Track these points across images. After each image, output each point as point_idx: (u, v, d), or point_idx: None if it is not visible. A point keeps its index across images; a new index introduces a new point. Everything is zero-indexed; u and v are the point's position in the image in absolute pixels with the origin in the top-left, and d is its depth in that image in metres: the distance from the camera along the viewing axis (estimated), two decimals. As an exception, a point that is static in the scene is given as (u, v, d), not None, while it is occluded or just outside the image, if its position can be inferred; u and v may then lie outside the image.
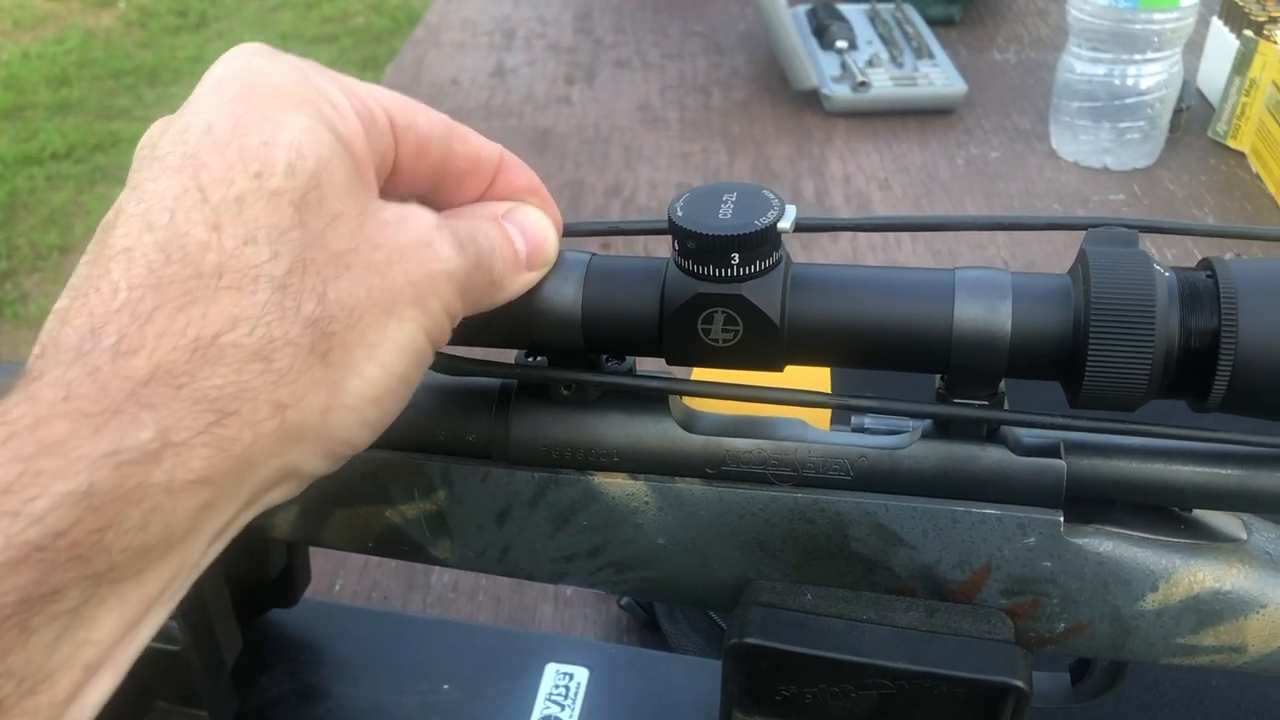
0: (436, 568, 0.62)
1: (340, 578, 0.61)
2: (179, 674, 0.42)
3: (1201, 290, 0.31)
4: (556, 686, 0.47)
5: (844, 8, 1.23)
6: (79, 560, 0.23)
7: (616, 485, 0.36)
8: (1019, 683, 0.33)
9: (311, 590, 0.51)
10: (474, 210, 0.33)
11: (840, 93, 1.09)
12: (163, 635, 0.40)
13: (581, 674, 0.48)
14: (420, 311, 0.29)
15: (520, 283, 0.33)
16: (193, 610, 0.39)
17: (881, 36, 1.18)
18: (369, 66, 3.29)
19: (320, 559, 0.52)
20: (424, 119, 0.32)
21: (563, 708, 0.46)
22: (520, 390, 0.36)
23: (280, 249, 0.26)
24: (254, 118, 0.27)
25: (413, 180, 0.32)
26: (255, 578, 0.46)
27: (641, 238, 0.38)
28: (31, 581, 0.22)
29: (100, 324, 0.25)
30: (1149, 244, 0.31)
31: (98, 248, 0.27)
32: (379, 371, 0.28)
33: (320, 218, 0.27)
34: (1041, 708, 0.40)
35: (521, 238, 0.33)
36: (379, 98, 0.31)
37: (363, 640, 0.50)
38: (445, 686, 0.47)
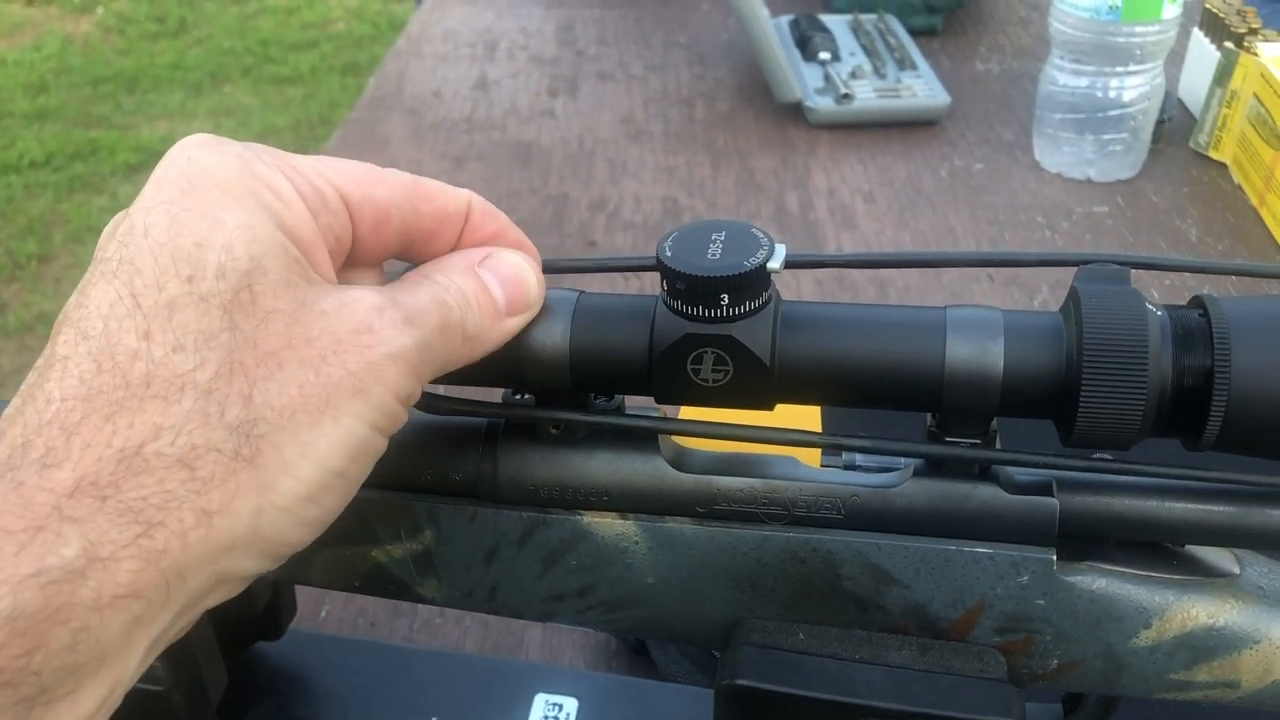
0: (423, 594, 0.62)
1: (326, 604, 0.61)
2: (163, 715, 0.41)
3: (1194, 329, 0.31)
4: (546, 717, 0.47)
5: (827, 19, 1.23)
6: (7, 686, 0.22)
7: (606, 525, 0.35)
8: (1012, 722, 0.33)
9: (297, 618, 0.50)
10: (447, 263, 0.32)
11: (824, 105, 1.09)
12: (146, 676, 0.39)
13: (571, 704, 0.47)
14: (362, 404, 0.28)
15: (501, 331, 0.32)
16: (176, 650, 0.39)
17: (864, 48, 1.18)
18: (349, 72, 3.28)
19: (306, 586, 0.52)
20: (383, 188, 0.31)
21: (552, 740, 0.46)
22: (507, 429, 0.36)
23: (207, 354, 0.26)
24: (190, 216, 0.27)
25: (377, 249, 0.32)
26: (240, 614, 0.45)
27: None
28: None
29: (32, 436, 0.25)
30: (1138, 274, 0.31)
31: (46, 354, 0.27)
32: (314, 470, 0.27)
33: (252, 318, 0.27)
34: (1034, 740, 0.40)
35: (499, 285, 0.32)
36: (330, 175, 0.30)
37: (350, 671, 0.50)
38: (434, 718, 0.47)
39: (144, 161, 2.86)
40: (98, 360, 0.26)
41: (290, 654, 0.50)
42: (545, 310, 0.33)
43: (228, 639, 0.44)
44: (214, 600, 0.27)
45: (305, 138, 2.92)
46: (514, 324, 0.33)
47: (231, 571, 0.27)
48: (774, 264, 0.31)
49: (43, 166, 2.88)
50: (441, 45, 1.30)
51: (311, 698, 0.49)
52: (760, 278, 0.31)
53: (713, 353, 0.32)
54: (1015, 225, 0.94)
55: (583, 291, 0.34)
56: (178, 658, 0.39)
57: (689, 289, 0.31)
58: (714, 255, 0.31)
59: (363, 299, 0.29)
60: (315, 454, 0.27)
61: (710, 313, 0.31)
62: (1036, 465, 0.32)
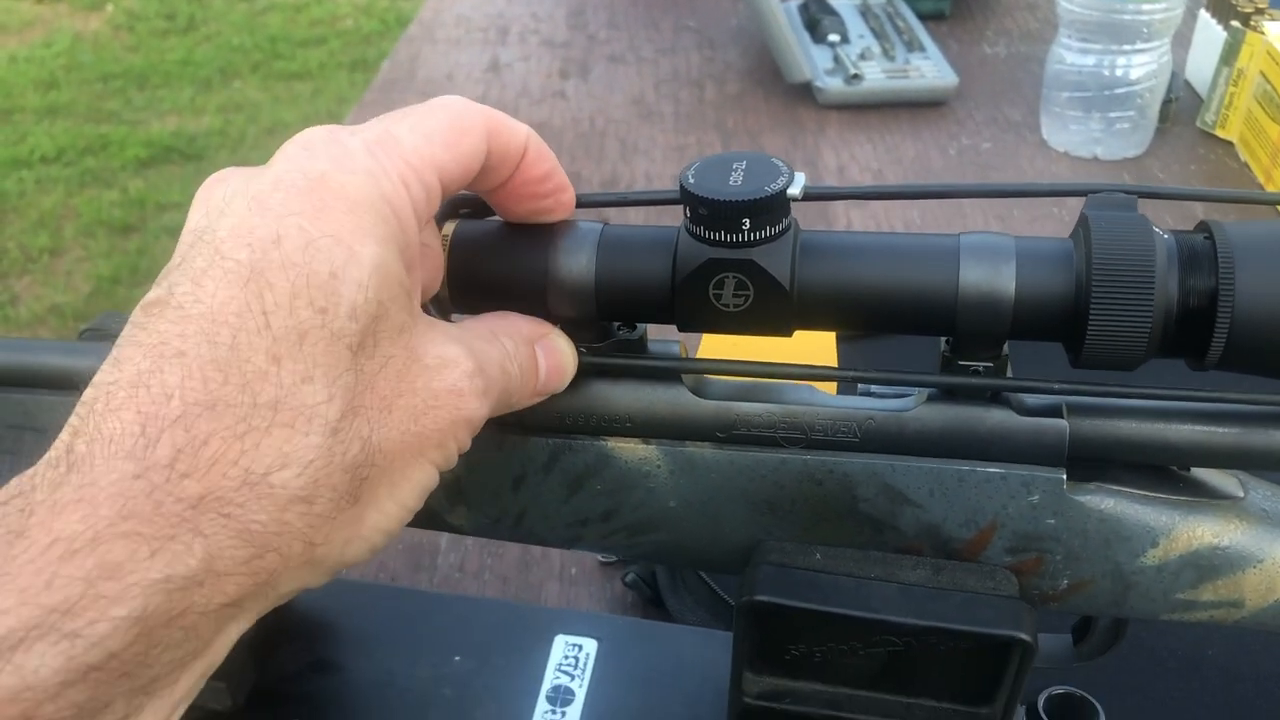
0: (443, 549, 0.63)
1: (347, 559, 0.62)
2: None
3: (1199, 252, 0.32)
4: (566, 657, 0.48)
5: (835, 2, 1.24)
6: (126, 677, 0.24)
7: (629, 450, 0.36)
8: (1025, 636, 0.34)
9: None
10: (514, 330, 0.34)
11: (833, 85, 1.10)
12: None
13: (590, 645, 0.49)
14: (441, 454, 0.31)
15: (528, 403, 0.34)
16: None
17: (873, 30, 1.19)
18: (358, 68, 3.29)
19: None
20: (468, 144, 0.32)
21: (573, 678, 0.47)
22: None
23: (335, 391, 0.27)
24: (327, 241, 0.27)
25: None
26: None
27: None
28: (86, 698, 0.23)
29: (154, 431, 0.25)
30: (1150, 211, 0.32)
31: (142, 332, 0.27)
32: (396, 508, 0.30)
33: (373, 361, 0.28)
34: (1045, 667, 0.41)
35: (546, 366, 0.34)
36: (434, 159, 0.31)
37: (375, 615, 0.51)
38: (456, 658, 0.48)
39: (154, 156, 2.87)
40: (225, 371, 0.26)
41: (316, 599, 0.51)
42: (571, 240, 0.35)
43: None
44: (280, 602, 0.29)
45: (314, 132, 2.93)
46: (539, 400, 0.35)
47: (307, 584, 0.29)
48: (794, 190, 0.32)
49: (54, 161, 2.89)
50: (454, 30, 1.31)
51: (338, 640, 0.50)
52: (780, 203, 0.32)
53: (734, 277, 0.33)
54: (1025, 204, 0.95)
55: (607, 223, 0.35)
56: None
57: (711, 214, 0.32)
58: (735, 182, 0.32)
59: (460, 362, 0.31)
60: (400, 495, 0.30)
61: (732, 238, 0.32)
62: (1045, 392, 0.33)
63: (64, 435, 0.26)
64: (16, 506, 0.24)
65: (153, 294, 0.28)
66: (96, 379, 0.27)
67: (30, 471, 0.26)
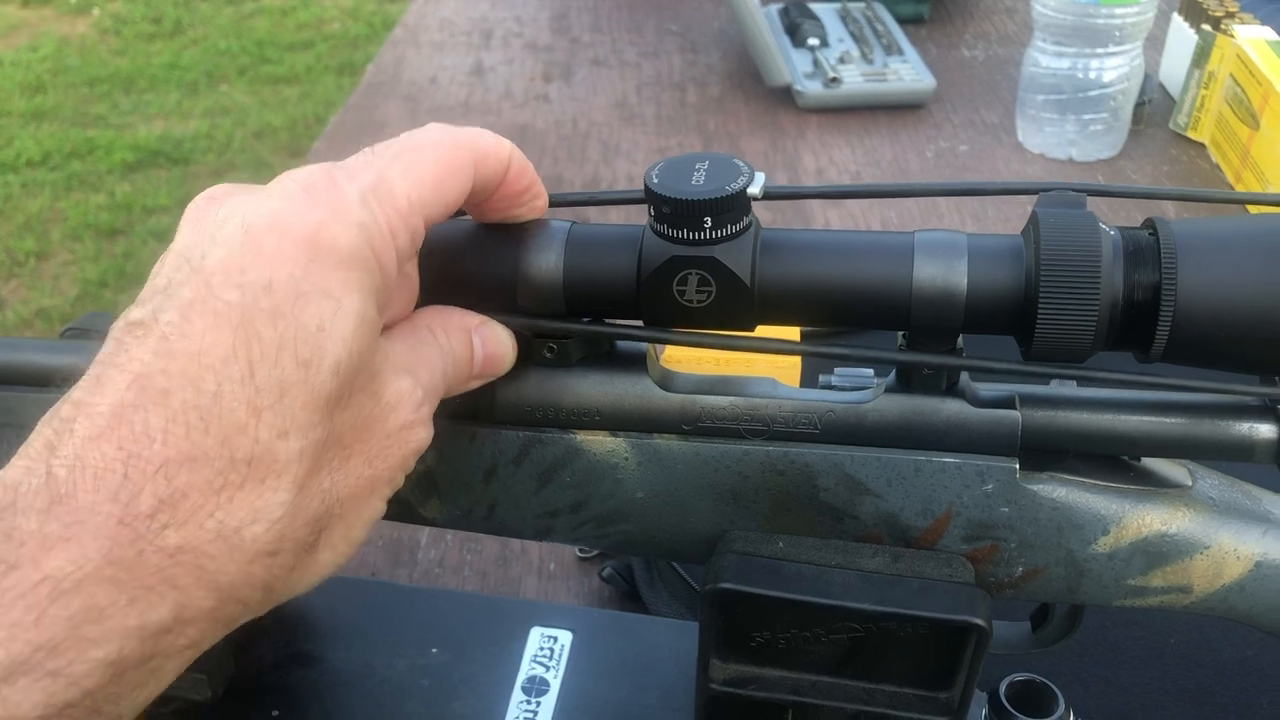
0: (423, 544, 0.64)
1: (328, 556, 0.63)
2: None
3: (1144, 247, 0.33)
4: (541, 649, 0.49)
5: (815, 6, 1.25)
6: (96, 713, 0.26)
7: (597, 442, 0.37)
8: (980, 621, 0.35)
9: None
10: (450, 324, 0.34)
11: (812, 89, 1.11)
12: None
13: (565, 637, 0.50)
14: (391, 488, 0.32)
15: (463, 389, 0.35)
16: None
17: (852, 34, 1.20)
18: (345, 72, 3.30)
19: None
20: (456, 185, 0.32)
21: (548, 668, 0.48)
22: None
23: (306, 446, 0.28)
24: (316, 294, 0.28)
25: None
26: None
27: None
28: None
29: (137, 475, 0.26)
30: (1113, 210, 0.33)
31: (124, 355, 0.27)
32: (348, 545, 0.31)
33: (344, 414, 0.29)
34: (1005, 654, 0.42)
35: (483, 351, 0.35)
36: (422, 204, 0.31)
37: (353, 609, 0.52)
38: (434, 650, 0.49)
39: (140, 160, 2.87)
40: (206, 421, 0.26)
41: (296, 593, 0.52)
42: (540, 238, 0.36)
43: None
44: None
45: (301, 136, 2.93)
46: (476, 384, 0.36)
47: (257, 614, 0.30)
48: (754, 189, 0.33)
49: (40, 165, 2.90)
50: (438, 34, 1.32)
51: (316, 633, 0.51)
52: (741, 202, 0.33)
53: (697, 274, 0.34)
54: (999, 203, 0.96)
55: (574, 222, 0.36)
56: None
57: (674, 212, 0.33)
58: (698, 181, 0.33)
59: (410, 394, 0.31)
60: (353, 534, 0.31)
61: (694, 235, 0.33)
62: (999, 371, 0.34)
63: (38, 445, 0.26)
64: (3, 531, 0.25)
65: (136, 313, 0.28)
66: (76, 395, 0.27)
67: (8, 481, 0.26)
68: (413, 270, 0.35)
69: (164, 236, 2.58)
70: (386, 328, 0.32)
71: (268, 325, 0.27)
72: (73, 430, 0.26)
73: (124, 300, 2.42)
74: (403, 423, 0.31)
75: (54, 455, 0.26)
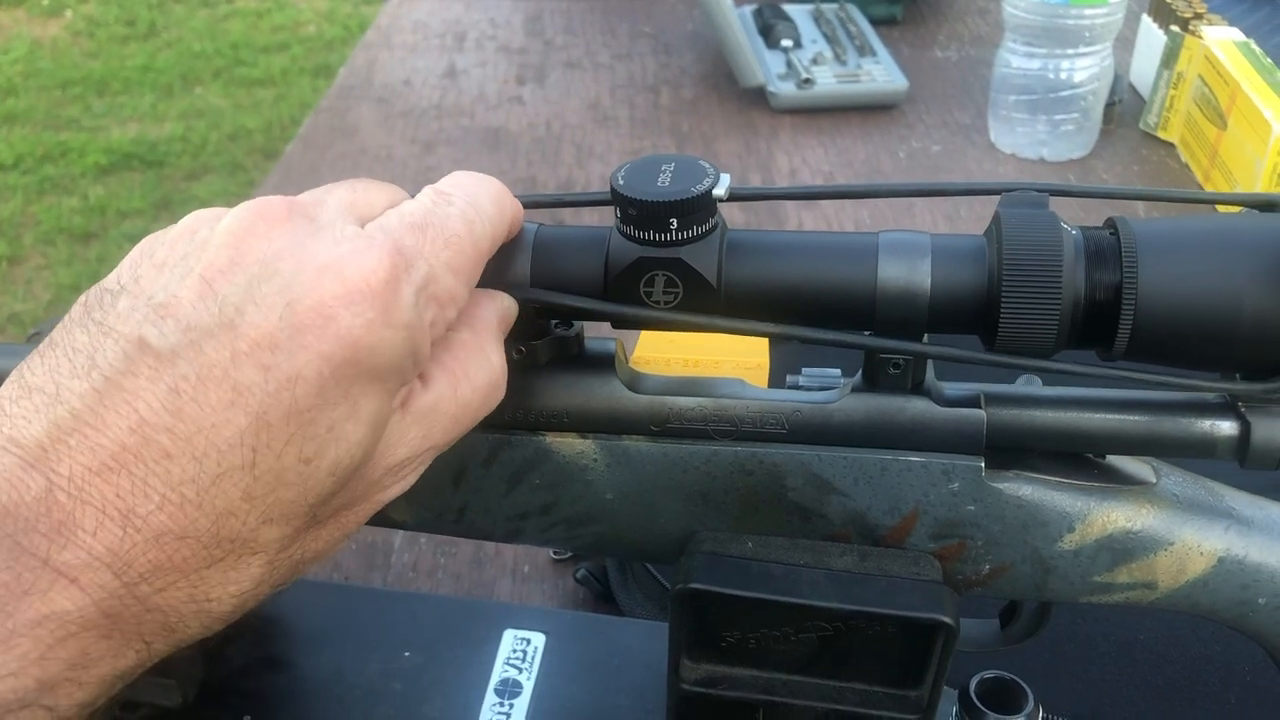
0: (396, 548, 0.64)
1: (301, 560, 0.63)
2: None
3: (1105, 247, 0.33)
4: (514, 651, 0.49)
5: (789, 7, 1.26)
6: None
7: (566, 444, 0.37)
8: (947, 619, 0.35)
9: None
10: (475, 374, 0.33)
11: (786, 90, 1.11)
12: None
13: (538, 639, 0.50)
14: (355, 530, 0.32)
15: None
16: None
17: (825, 35, 1.21)
18: (320, 74, 3.29)
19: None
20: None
21: (520, 670, 0.48)
22: None
23: (287, 531, 0.28)
24: (337, 396, 0.27)
25: None
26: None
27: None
28: None
29: (134, 534, 0.26)
30: (1084, 210, 0.34)
31: (132, 381, 0.26)
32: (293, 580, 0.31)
33: (329, 507, 0.29)
34: (975, 651, 0.42)
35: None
36: (462, 297, 0.31)
37: (325, 613, 0.52)
38: (406, 654, 0.49)
39: (114, 164, 2.85)
40: (202, 498, 0.26)
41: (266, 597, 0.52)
42: (509, 242, 0.36)
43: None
44: None
45: (276, 138, 2.92)
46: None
47: None
48: (719, 191, 0.33)
49: (12, 169, 2.87)
50: (410, 36, 1.32)
51: (288, 637, 0.50)
52: (706, 203, 0.33)
53: (663, 275, 0.34)
54: (971, 203, 0.97)
55: (542, 224, 0.36)
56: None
57: (640, 214, 0.33)
58: (663, 183, 0.33)
59: (408, 465, 0.31)
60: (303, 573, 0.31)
61: (660, 237, 0.33)
62: (963, 360, 0.34)
63: (38, 435, 0.26)
64: (12, 543, 0.25)
65: (152, 333, 0.27)
66: (77, 405, 0.26)
67: (5, 472, 0.26)
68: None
69: (138, 239, 2.56)
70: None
71: (281, 419, 0.26)
72: (69, 445, 0.26)
73: (98, 305, 2.40)
74: (389, 492, 0.31)
75: (50, 466, 0.26)
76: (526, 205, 0.38)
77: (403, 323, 0.28)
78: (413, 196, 0.33)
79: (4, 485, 0.25)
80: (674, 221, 0.33)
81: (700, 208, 0.33)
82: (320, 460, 0.27)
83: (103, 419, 0.26)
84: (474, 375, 0.33)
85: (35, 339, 0.44)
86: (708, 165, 0.34)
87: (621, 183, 0.34)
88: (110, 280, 0.29)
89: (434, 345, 0.31)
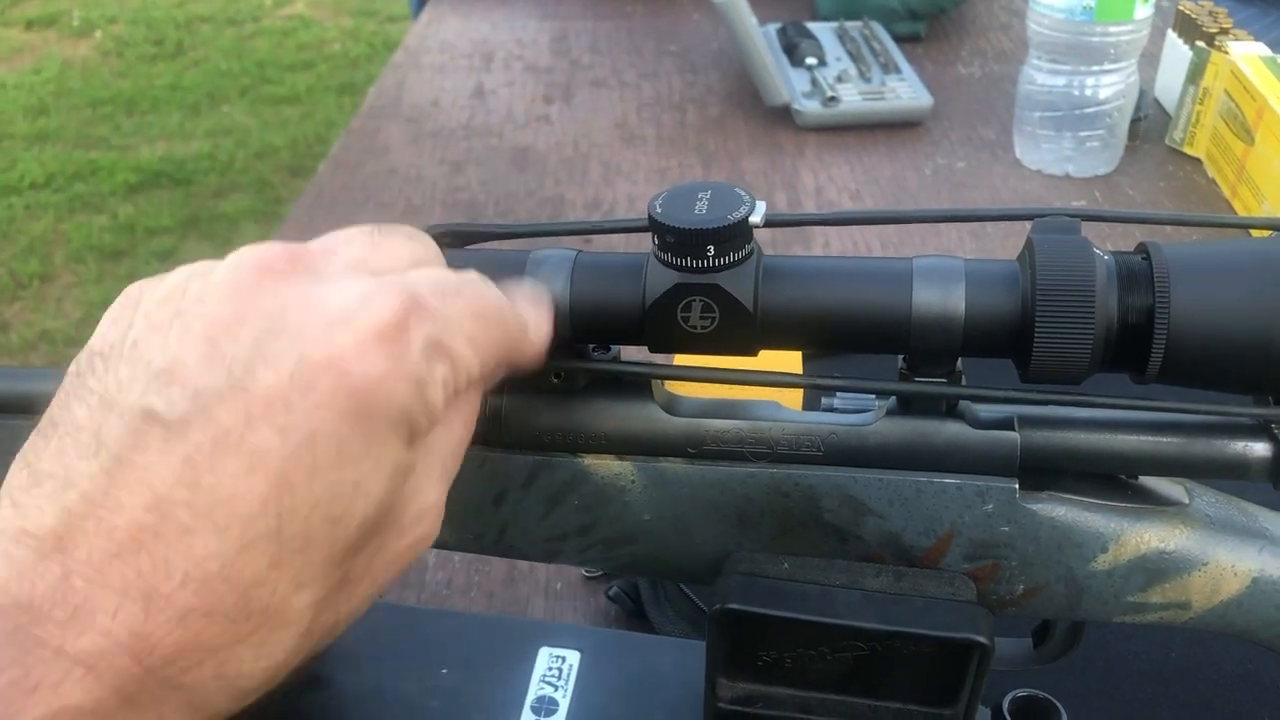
0: (430, 566, 0.64)
1: (337, 578, 0.64)
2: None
3: (1137, 271, 0.34)
4: (550, 669, 0.50)
5: (813, 25, 1.26)
6: None
7: (604, 466, 0.38)
8: (982, 639, 0.35)
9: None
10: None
11: (811, 108, 1.12)
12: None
13: (573, 656, 0.50)
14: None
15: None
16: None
17: (850, 53, 1.21)
18: (346, 92, 3.32)
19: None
20: (499, 365, 0.32)
21: (556, 688, 0.49)
22: (513, 379, 0.39)
23: (319, 594, 0.27)
24: (355, 450, 0.26)
25: None
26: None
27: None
28: None
29: (157, 619, 0.25)
30: (1110, 232, 0.34)
31: (142, 456, 0.25)
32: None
33: (360, 559, 0.28)
34: (1008, 670, 0.43)
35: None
36: (479, 374, 0.30)
37: (362, 631, 0.52)
38: (443, 671, 0.50)
39: (143, 182, 2.89)
40: (228, 572, 0.25)
41: (307, 615, 0.53)
42: (546, 267, 0.36)
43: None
44: None
45: (303, 156, 2.95)
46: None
47: None
48: (755, 218, 0.34)
49: (43, 187, 2.91)
50: (438, 57, 1.33)
51: (325, 654, 0.51)
52: (743, 230, 0.34)
53: (700, 301, 0.35)
54: (997, 223, 0.97)
55: (581, 250, 0.37)
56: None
57: (678, 241, 0.34)
58: (700, 210, 0.34)
59: (431, 512, 0.30)
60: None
61: (698, 263, 0.34)
62: (997, 400, 0.35)
63: (52, 524, 0.25)
64: (23, 636, 0.24)
65: (158, 402, 0.25)
66: (88, 487, 0.25)
67: (17, 563, 0.25)
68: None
69: (167, 257, 2.59)
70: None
71: (303, 482, 0.25)
72: (85, 530, 0.25)
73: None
74: (419, 539, 0.30)
75: (66, 554, 0.25)
76: (563, 232, 0.39)
77: (414, 374, 0.27)
78: (428, 227, 0.33)
79: (19, 578, 0.25)
80: (711, 248, 0.34)
81: (737, 235, 0.34)
82: (349, 519, 0.26)
83: (117, 499, 0.25)
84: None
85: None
86: (744, 192, 0.35)
87: (659, 210, 0.34)
88: (97, 342, 0.28)
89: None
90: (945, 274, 0.34)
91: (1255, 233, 0.64)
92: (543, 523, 0.39)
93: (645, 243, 0.35)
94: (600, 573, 0.63)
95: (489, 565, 0.64)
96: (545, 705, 0.48)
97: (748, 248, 0.35)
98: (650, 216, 0.34)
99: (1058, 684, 0.46)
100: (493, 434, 0.39)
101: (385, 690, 0.49)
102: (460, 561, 0.65)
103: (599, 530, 0.39)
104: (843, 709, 0.39)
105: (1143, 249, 0.34)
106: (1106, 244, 0.35)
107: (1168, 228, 0.86)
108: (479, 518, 0.40)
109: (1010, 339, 0.34)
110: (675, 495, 0.38)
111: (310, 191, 1.07)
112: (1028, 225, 0.35)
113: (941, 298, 0.34)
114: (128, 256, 2.62)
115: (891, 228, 0.96)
